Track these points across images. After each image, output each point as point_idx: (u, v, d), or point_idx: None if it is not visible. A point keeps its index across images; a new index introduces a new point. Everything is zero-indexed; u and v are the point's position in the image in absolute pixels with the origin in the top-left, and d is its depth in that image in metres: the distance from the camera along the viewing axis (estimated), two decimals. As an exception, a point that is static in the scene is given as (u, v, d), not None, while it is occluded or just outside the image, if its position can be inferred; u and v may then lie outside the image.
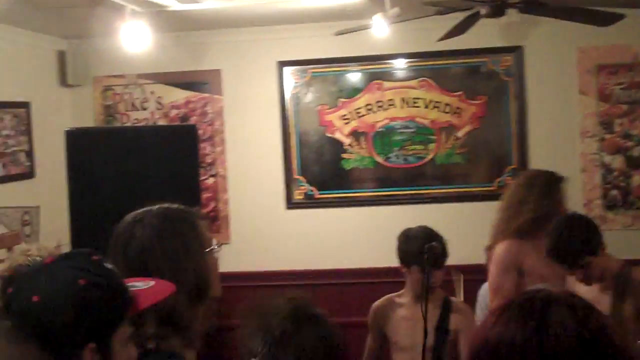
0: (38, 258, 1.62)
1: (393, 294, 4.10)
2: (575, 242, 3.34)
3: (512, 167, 5.68)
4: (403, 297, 4.02)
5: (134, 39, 4.68)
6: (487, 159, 5.77)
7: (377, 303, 4.09)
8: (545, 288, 1.45)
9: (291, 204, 5.94)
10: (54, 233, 5.32)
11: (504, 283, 4.10)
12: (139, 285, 1.68)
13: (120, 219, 2.16)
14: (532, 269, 4.08)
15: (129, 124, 5.95)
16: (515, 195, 4.17)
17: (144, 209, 2.16)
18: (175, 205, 2.17)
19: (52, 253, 3.00)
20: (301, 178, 5.92)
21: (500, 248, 4.05)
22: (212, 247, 2.15)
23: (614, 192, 5.61)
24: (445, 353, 3.86)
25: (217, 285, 2.17)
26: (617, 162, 5.60)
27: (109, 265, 1.61)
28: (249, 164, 5.96)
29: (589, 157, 5.62)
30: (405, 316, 3.95)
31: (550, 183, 4.14)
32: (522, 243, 4.08)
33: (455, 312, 3.91)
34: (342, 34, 4.52)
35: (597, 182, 5.62)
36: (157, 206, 2.15)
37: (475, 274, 4.46)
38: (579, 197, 5.50)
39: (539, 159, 5.65)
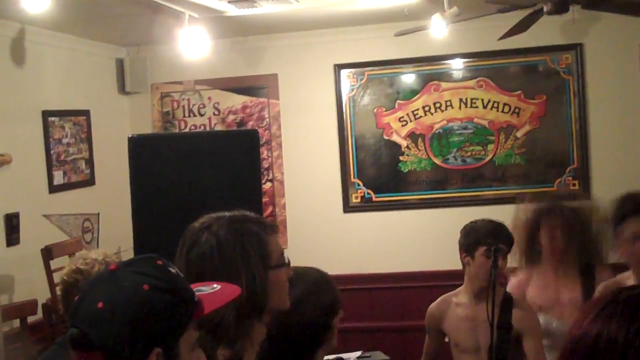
0: (105, 263, 1.62)
1: (449, 294, 4.03)
2: None
3: (573, 167, 5.58)
4: (461, 296, 3.95)
5: (191, 46, 4.72)
6: (547, 159, 5.67)
7: (433, 304, 4.03)
8: None
9: (348, 208, 5.93)
10: (114, 239, 5.38)
11: None
12: (204, 289, 1.67)
13: (182, 225, 2.16)
14: (532, 298, 4.11)
15: (186, 130, 6.00)
16: None
17: (215, 215, 2.15)
18: (247, 215, 2.16)
19: (112, 259, 3.03)
20: (358, 181, 5.90)
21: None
22: (279, 263, 2.13)
23: (680, 191, 5.48)
24: (508, 351, 3.79)
25: (281, 300, 2.15)
26: (682, 159, 5.48)
27: (173, 270, 1.60)
28: (306, 168, 5.95)
29: (655, 156, 5.51)
30: (465, 316, 3.87)
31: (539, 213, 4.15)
32: (527, 274, 4.13)
33: (517, 309, 3.83)
34: (402, 34, 4.49)
35: (661, 181, 5.50)
36: (229, 214, 2.14)
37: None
38: (643, 196, 5.38)
39: (601, 159, 5.55)
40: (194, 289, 1.63)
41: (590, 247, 4.05)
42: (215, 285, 1.72)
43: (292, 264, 2.51)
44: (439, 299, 4.02)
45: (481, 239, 3.73)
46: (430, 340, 4.07)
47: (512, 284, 4.19)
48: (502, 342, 3.74)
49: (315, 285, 2.50)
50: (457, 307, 3.91)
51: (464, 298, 3.91)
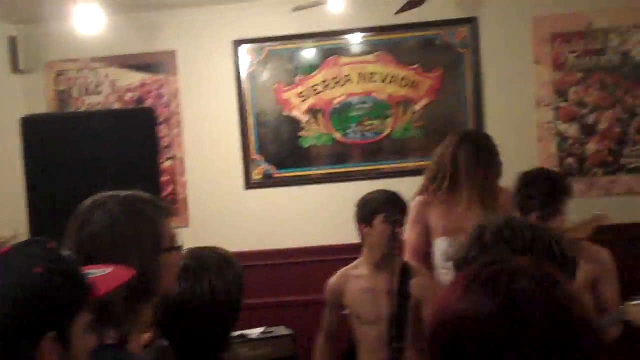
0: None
1: (348, 267, 4.09)
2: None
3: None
4: (360, 268, 4.00)
5: (86, 22, 4.62)
6: (444, 132, 5.74)
7: (333, 278, 4.09)
8: (511, 258, 1.45)
9: (250, 184, 5.92)
10: (9, 223, 5.22)
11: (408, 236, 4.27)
12: (96, 271, 1.66)
13: (83, 202, 2.12)
14: (435, 223, 4.30)
15: (83, 109, 5.87)
16: None
17: (109, 193, 2.11)
18: (142, 195, 2.13)
19: (8, 242, 2.96)
20: (259, 157, 5.89)
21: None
22: (171, 246, 2.11)
23: (570, 160, 5.67)
24: (407, 320, 3.86)
25: (170, 284, 2.14)
26: (572, 130, 5.65)
27: (65, 252, 1.58)
28: (206, 145, 5.91)
29: (545, 126, 5.66)
30: (366, 288, 3.93)
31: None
32: (428, 199, 4.28)
33: (415, 277, 3.90)
34: (299, 9, 4.49)
35: (552, 151, 5.67)
36: (123, 193, 2.11)
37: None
38: (536, 166, 5.54)
39: (496, 130, 5.64)
40: (86, 272, 1.61)
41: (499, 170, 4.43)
42: (107, 268, 1.70)
43: (194, 243, 2.51)
44: (338, 272, 4.08)
45: (379, 208, 3.83)
46: (330, 314, 4.12)
47: (414, 204, 4.32)
48: (401, 311, 3.81)
49: (231, 267, 2.50)
50: (357, 279, 3.97)
51: (364, 270, 3.97)
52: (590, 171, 5.66)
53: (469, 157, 4.35)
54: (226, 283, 2.41)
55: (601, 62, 5.60)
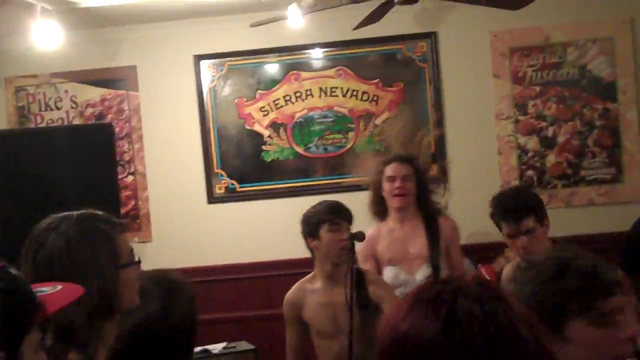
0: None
1: (304, 280, 4.05)
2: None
3: (431, 152, 5.72)
4: (315, 282, 3.97)
5: (45, 38, 4.59)
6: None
7: (290, 293, 4.04)
8: (455, 278, 1.43)
9: (213, 199, 5.90)
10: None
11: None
12: (45, 289, 1.65)
13: (37, 224, 2.11)
14: (381, 254, 4.38)
15: (43, 125, 5.82)
16: None
17: (62, 214, 2.11)
18: (96, 213, 2.12)
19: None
20: (222, 172, 5.88)
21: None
22: (129, 261, 2.10)
23: (530, 173, 5.72)
24: (373, 329, 3.84)
25: (131, 299, 2.13)
26: (532, 143, 5.71)
27: (13, 271, 1.57)
28: (169, 160, 5.89)
29: (505, 139, 5.72)
30: (322, 302, 3.90)
31: (379, 164, 4.60)
32: (375, 229, 4.55)
33: (371, 284, 3.90)
34: (258, 25, 4.50)
35: (513, 164, 5.72)
36: (76, 213, 2.10)
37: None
38: (497, 178, 5.61)
39: (456, 144, 5.72)
40: (36, 290, 1.60)
41: (429, 196, 4.63)
42: (57, 286, 1.69)
43: (158, 257, 2.49)
44: (295, 286, 4.04)
45: (322, 218, 3.83)
46: (293, 330, 4.06)
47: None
48: (366, 321, 3.80)
49: (184, 289, 2.48)
50: (313, 293, 3.93)
51: (319, 283, 3.94)
52: (550, 183, 5.72)
53: None
54: (178, 307, 2.39)
55: (559, 75, 5.67)
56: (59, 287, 1.69)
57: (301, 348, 4.10)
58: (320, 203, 4.04)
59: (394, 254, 4.45)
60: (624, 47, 5.62)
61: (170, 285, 2.38)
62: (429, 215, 4.52)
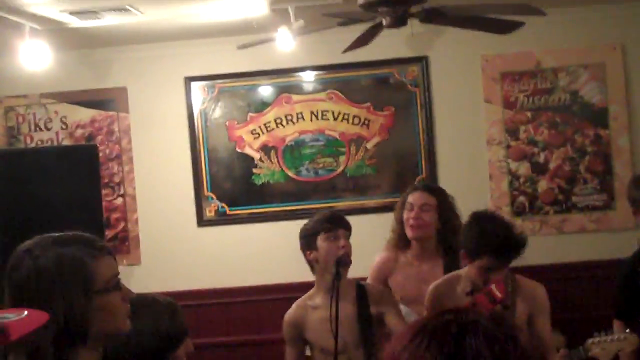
0: None
1: (303, 298, 3.96)
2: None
3: (422, 177, 5.71)
4: (316, 298, 3.89)
5: (34, 58, 4.57)
6: (396, 170, 5.79)
7: (290, 313, 3.94)
8: (463, 310, 1.33)
9: (202, 222, 5.86)
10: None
11: None
12: (10, 316, 1.62)
13: (19, 246, 2.09)
14: (394, 289, 4.26)
15: (32, 145, 5.79)
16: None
17: (41, 237, 2.09)
18: (75, 236, 2.09)
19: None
20: (212, 195, 5.85)
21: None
22: (107, 287, 2.06)
23: (522, 199, 5.70)
24: (374, 341, 3.78)
25: (114, 324, 2.09)
26: (523, 168, 5.69)
27: None
28: (158, 183, 5.85)
29: (496, 164, 5.70)
30: (325, 318, 3.80)
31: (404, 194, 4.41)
32: (392, 257, 4.31)
33: (373, 297, 3.84)
34: (246, 47, 4.49)
35: (504, 189, 5.70)
36: (55, 236, 2.07)
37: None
38: (487, 204, 5.57)
39: (448, 169, 5.71)
40: (1, 316, 1.57)
41: (455, 232, 4.17)
42: (23, 312, 1.66)
43: (146, 281, 2.44)
44: (294, 305, 3.95)
45: (318, 228, 3.76)
46: (294, 351, 3.97)
47: (376, 260, 4.29)
48: (368, 336, 3.74)
49: (157, 314, 2.45)
50: (315, 310, 3.85)
51: (319, 299, 3.85)
52: (542, 210, 5.69)
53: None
54: (149, 330, 2.35)
55: (551, 101, 5.66)
56: (25, 313, 1.66)
57: None
58: (316, 214, 3.98)
59: (406, 292, 4.29)
60: (615, 73, 5.62)
61: (136, 303, 2.34)
62: (450, 256, 4.21)
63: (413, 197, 4.33)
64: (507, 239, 3.41)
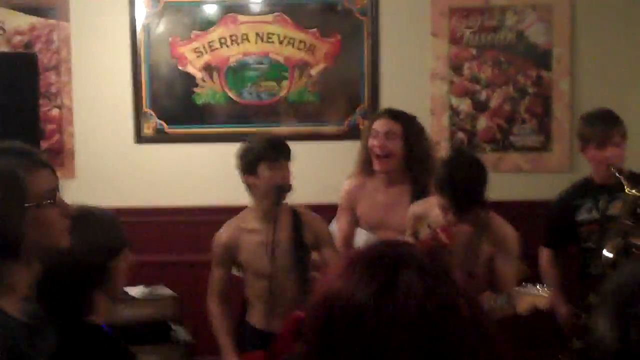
0: None
1: (236, 220, 3.95)
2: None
3: (364, 106, 5.71)
4: (250, 222, 3.89)
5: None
6: (339, 98, 5.76)
7: (223, 234, 3.90)
8: (400, 243, 1.35)
9: (140, 138, 5.77)
10: None
11: (339, 222, 4.24)
12: None
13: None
14: (360, 215, 4.27)
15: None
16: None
17: None
18: (14, 146, 2.04)
19: None
20: (151, 112, 5.75)
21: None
22: (41, 201, 2.02)
23: (461, 135, 5.75)
24: (308, 271, 3.81)
25: (51, 239, 2.06)
26: (464, 105, 5.72)
27: None
28: (97, 96, 5.73)
29: (438, 99, 5.71)
30: (260, 242, 3.81)
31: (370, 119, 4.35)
32: (359, 183, 4.27)
33: (308, 224, 3.87)
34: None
35: (444, 124, 5.73)
36: None
37: (324, 212, 4.44)
38: (428, 138, 5.61)
39: (390, 100, 5.68)
40: None
41: (422, 160, 4.18)
42: None
43: (81, 195, 2.40)
44: (227, 227, 3.92)
45: (261, 155, 3.73)
46: (222, 271, 3.97)
47: (344, 188, 4.28)
48: (300, 261, 3.77)
49: (94, 226, 2.42)
50: (250, 234, 3.85)
51: (255, 223, 3.86)
52: (480, 147, 5.75)
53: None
54: (86, 241, 2.32)
55: (496, 39, 5.67)
56: None
57: (226, 290, 4.01)
58: (257, 136, 3.94)
59: (371, 219, 4.28)
60: (562, 16, 5.64)
61: (94, 218, 2.33)
62: (418, 185, 4.16)
63: (378, 124, 4.24)
64: (466, 192, 3.42)
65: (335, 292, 1.24)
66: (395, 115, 4.30)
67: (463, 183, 3.43)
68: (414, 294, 1.20)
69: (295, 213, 3.86)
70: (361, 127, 5.44)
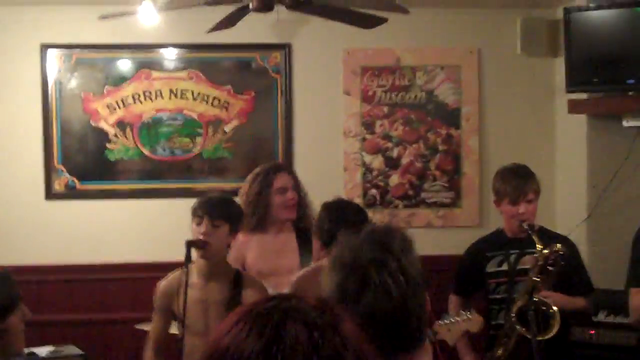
0: None
1: (180, 272, 3.96)
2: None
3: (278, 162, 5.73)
4: (192, 275, 3.88)
5: None
6: (253, 155, 5.79)
7: (165, 283, 3.90)
8: (294, 296, 1.34)
9: (51, 195, 5.68)
10: None
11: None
12: None
13: None
14: (251, 265, 4.35)
15: None
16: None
17: None
18: None
19: None
20: (62, 168, 5.67)
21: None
22: None
23: (373, 191, 5.82)
24: None
25: None
26: (377, 162, 5.81)
27: None
28: (7, 151, 5.63)
29: (351, 156, 5.80)
30: (197, 298, 3.81)
31: (265, 173, 4.54)
32: (247, 238, 4.37)
33: (247, 288, 3.86)
34: (107, 18, 4.37)
35: (357, 181, 5.81)
36: None
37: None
38: (341, 194, 5.64)
39: (304, 157, 5.76)
40: None
41: (306, 205, 4.58)
42: None
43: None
44: (171, 276, 3.92)
45: (191, 212, 3.82)
46: (160, 320, 3.96)
47: (233, 247, 4.29)
48: None
49: None
50: (189, 288, 3.84)
51: (195, 277, 3.86)
52: (392, 203, 5.83)
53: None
54: None
55: (407, 98, 5.81)
56: None
57: (163, 339, 3.97)
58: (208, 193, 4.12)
59: (263, 265, 4.42)
60: (470, 76, 5.82)
61: None
62: (303, 229, 4.50)
63: (282, 181, 4.52)
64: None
65: (224, 348, 1.24)
66: (287, 169, 4.77)
67: (354, 217, 3.64)
68: (300, 348, 1.20)
69: (237, 273, 3.88)
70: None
